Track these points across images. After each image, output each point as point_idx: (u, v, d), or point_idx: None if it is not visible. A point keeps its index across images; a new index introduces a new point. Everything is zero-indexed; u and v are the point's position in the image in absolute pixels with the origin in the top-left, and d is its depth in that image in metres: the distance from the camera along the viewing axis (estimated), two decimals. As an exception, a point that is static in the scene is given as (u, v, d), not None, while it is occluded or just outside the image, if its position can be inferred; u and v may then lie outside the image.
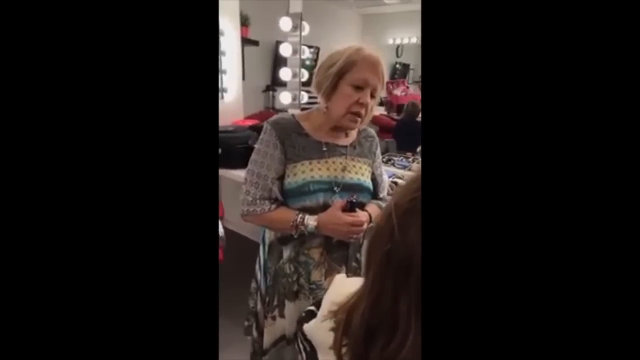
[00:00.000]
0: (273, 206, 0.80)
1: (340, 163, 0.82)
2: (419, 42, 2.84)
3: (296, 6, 1.81)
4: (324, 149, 0.81)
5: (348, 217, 0.76)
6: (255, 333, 0.94)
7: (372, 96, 0.77)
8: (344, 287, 0.46)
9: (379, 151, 0.92)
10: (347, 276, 0.54)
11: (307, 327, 0.47)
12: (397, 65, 3.22)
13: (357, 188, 0.82)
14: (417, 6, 2.77)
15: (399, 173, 1.56)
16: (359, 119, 0.78)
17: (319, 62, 0.79)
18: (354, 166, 0.84)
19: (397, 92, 3.11)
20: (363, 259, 0.96)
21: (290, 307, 0.85)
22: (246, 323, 1.00)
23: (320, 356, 0.44)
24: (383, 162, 1.64)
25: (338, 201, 0.78)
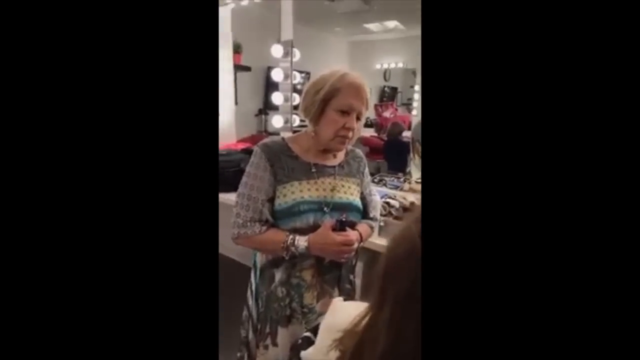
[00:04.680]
0: (264, 228, 0.79)
1: (330, 183, 0.83)
2: (405, 66, 2.97)
3: (287, 34, 1.88)
4: (313, 170, 0.82)
5: (338, 237, 0.76)
6: (247, 363, 0.91)
7: (358, 119, 0.79)
8: (344, 312, 0.44)
9: (367, 171, 0.94)
10: (344, 299, 0.53)
11: (305, 354, 0.45)
12: (386, 89, 3.32)
13: (347, 207, 0.83)
14: (401, 34, 2.94)
15: (390, 193, 1.57)
16: (347, 141, 0.80)
17: (305, 88, 0.81)
18: (342, 186, 0.84)
19: (386, 114, 3.19)
20: (358, 281, 0.95)
21: (283, 334, 0.83)
22: (238, 354, 0.96)
23: None
24: (375, 182, 1.65)
25: (328, 221, 0.78)
